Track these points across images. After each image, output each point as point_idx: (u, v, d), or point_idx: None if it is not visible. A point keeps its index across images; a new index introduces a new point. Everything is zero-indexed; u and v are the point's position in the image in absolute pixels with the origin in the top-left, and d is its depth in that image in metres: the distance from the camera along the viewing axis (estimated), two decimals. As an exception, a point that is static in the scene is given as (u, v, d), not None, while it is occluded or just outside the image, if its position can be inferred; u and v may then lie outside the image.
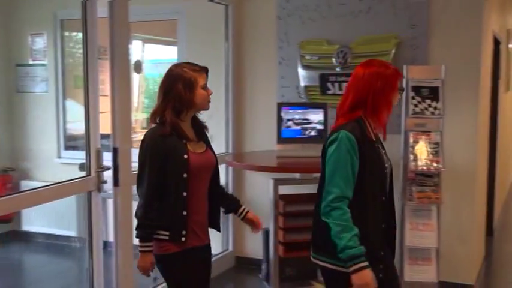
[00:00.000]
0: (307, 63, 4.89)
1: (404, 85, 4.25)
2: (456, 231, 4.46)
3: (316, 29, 4.86)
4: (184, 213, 2.64)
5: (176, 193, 2.64)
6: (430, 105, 4.16)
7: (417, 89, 4.19)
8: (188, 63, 2.75)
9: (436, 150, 4.14)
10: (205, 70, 2.75)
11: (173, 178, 2.63)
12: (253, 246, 5.12)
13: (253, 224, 2.97)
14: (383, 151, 2.58)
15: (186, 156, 2.64)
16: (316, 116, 4.43)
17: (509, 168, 8.76)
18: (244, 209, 2.96)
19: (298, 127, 4.43)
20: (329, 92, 4.80)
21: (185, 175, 2.63)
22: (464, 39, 4.46)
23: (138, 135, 6.22)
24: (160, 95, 2.68)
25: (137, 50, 6.27)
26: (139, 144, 2.69)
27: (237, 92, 5.19)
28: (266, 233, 4.42)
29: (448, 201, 4.26)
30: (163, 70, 2.78)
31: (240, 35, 5.16)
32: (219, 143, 5.20)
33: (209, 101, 2.75)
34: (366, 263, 2.30)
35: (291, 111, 4.43)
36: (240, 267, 5.26)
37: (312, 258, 2.60)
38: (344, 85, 4.70)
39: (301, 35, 4.91)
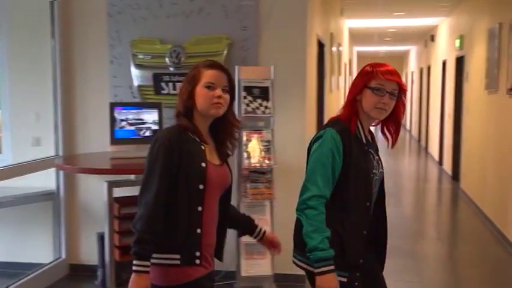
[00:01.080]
0: (140, 63, 4.80)
1: (236, 85, 4.36)
2: (289, 225, 4.61)
3: (149, 28, 4.80)
4: (199, 231, 2.25)
5: (189, 207, 2.24)
6: (261, 105, 4.31)
7: (249, 89, 4.31)
8: (208, 60, 2.42)
9: (268, 148, 4.30)
10: (217, 67, 2.31)
11: (186, 189, 2.23)
12: (88, 252, 4.93)
13: (273, 245, 2.65)
14: (376, 157, 2.49)
15: (203, 164, 2.25)
16: (150, 116, 4.37)
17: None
18: (261, 228, 2.62)
19: (133, 127, 4.34)
20: (163, 91, 4.76)
21: (201, 186, 2.24)
22: (290, 41, 4.68)
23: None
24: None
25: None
26: (150, 145, 2.28)
27: (66, 92, 4.95)
28: (101, 237, 4.28)
29: (281, 196, 4.44)
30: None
31: (68, 32, 4.93)
32: (48, 146, 4.95)
33: (215, 104, 2.26)
34: (332, 267, 2.25)
35: (124, 111, 4.33)
36: (75, 275, 5.03)
37: (293, 259, 2.51)
38: (178, 85, 4.71)
39: (133, 33, 4.82)
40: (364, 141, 2.44)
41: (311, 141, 2.47)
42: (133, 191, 4.26)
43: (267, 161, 4.28)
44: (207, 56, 4.67)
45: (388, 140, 2.52)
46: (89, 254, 4.89)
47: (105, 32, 4.88)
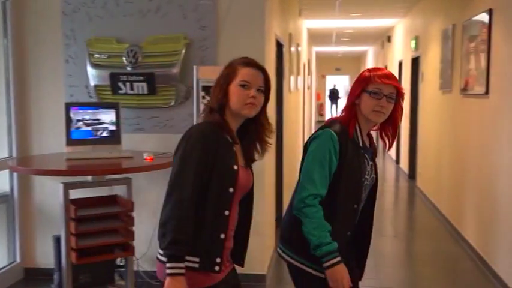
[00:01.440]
0: (97, 62, 4.73)
1: (195, 85, 4.34)
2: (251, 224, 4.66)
3: (105, 27, 4.73)
4: (223, 236, 2.17)
5: (216, 210, 2.15)
6: (219, 104, 4.28)
7: (207, 89, 4.28)
8: (245, 57, 2.31)
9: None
10: (253, 65, 2.23)
11: (216, 190, 2.14)
12: (44, 255, 4.83)
13: None
14: (370, 162, 2.52)
15: (235, 167, 2.18)
16: (107, 116, 4.30)
17: (294, 167, 9.41)
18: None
19: (89, 128, 4.26)
20: (121, 91, 4.70)
21: (231, 190, 2.16)
22: (249, 41, 4.68)
23: None
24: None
25: None
26: (180, 141, 2.17)
27: (20, 92, 4.84)
28: (57, 240, 4.19)
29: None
30: None
31: (22, 32, 4.82)
32: (0, 147, 4.83)
33: (248, 104, 2.18)
34: (339, 258, 2.30)
35: (80, 111, 4.25)
36: (30, 280, 4.92)
37: (280, 252, 2.54)
38: (136, 85, 4.65)
39: (89, 32, 4.74)
40: (361, 144, 2.48)
41: (307, 141, 2.49)
42: (90, 192, 4.22)
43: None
44: (165, 56, 4.63)
45: (385, 143, 2.57)
46: (45, 257, 4.80)
47: (60, 31, 4.79)
